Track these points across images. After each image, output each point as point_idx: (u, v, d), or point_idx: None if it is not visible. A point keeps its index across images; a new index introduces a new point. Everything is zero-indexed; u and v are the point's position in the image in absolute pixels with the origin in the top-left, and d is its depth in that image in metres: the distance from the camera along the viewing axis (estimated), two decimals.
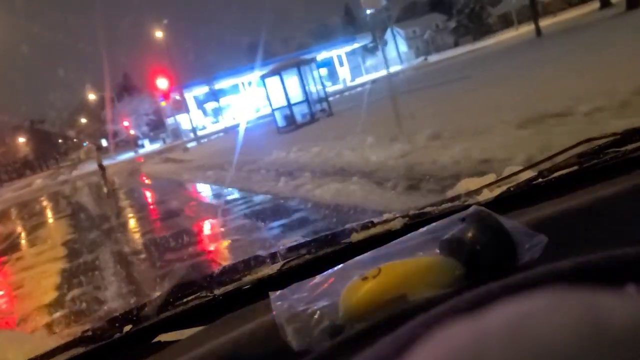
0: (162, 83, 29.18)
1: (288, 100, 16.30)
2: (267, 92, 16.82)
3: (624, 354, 0.20)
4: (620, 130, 0.90)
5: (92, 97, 52.27)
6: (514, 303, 0.24)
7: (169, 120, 44.66)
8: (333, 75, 48.88)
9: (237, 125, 31.32)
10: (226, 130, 31.97)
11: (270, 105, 17.01)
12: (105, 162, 19.86)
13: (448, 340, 0.23)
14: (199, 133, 34.91)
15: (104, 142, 56.92)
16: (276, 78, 16.40)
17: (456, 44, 58.91)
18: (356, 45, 49.28)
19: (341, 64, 49.90)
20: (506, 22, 58.86)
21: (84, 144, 65.50)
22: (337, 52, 49.34)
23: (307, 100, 16.61)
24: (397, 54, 55.70)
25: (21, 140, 71.07)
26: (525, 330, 0.21)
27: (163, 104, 40.31)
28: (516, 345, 0.21)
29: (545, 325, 0.21)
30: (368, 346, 0.32)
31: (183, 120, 40.50)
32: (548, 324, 0.21)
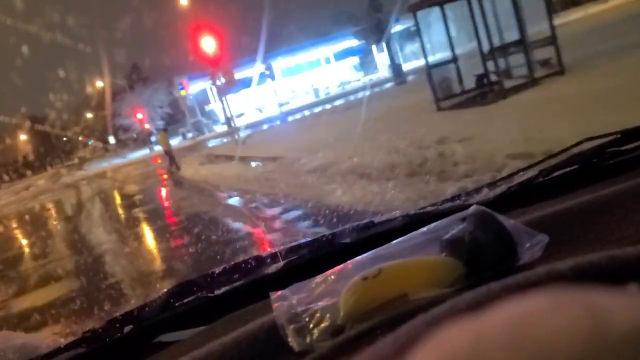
0: (209, 44, 16.15)
1: (479, 42, 8.24)
2: (420, 35, 9.61)
3: (625, 354, 0.20)
4: (621, 129, 0.90)
5: (100, 84, 48.31)
6: (514, 303, 0.24)
7: (208, 107, 39.27)
8: (366, 65, 43.07)
9: (285, 115, 26.08)
10: (273, 120, 25.57)
11: (425, 57, 9.71)
12: (115, 161, 16.08)
13: (449, 340, 0.23)
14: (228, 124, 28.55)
15: (111, 139, 53.84)
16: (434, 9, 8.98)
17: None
18: (399, 28, 44.20)
19: (380, 50, 40.61)
20: (565, 3, 55.56)
21: (89, 143, 63.99)
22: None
23: (522, 41, 8.59)
24: (447, 37, 52.06)
25: (22, 137, 70.06)
26: (526, 330, 0.21)
27: (182, 93, 37.02)
28: (517, 345, 0.21)
29: (545, 325, 0.21)
30: (369, 346, 0.32)
31: (217, 109, 35.40)
32: (549, 324, 0.21)
